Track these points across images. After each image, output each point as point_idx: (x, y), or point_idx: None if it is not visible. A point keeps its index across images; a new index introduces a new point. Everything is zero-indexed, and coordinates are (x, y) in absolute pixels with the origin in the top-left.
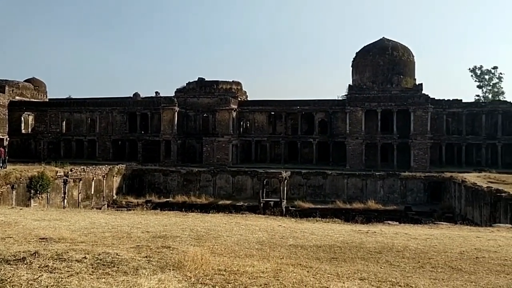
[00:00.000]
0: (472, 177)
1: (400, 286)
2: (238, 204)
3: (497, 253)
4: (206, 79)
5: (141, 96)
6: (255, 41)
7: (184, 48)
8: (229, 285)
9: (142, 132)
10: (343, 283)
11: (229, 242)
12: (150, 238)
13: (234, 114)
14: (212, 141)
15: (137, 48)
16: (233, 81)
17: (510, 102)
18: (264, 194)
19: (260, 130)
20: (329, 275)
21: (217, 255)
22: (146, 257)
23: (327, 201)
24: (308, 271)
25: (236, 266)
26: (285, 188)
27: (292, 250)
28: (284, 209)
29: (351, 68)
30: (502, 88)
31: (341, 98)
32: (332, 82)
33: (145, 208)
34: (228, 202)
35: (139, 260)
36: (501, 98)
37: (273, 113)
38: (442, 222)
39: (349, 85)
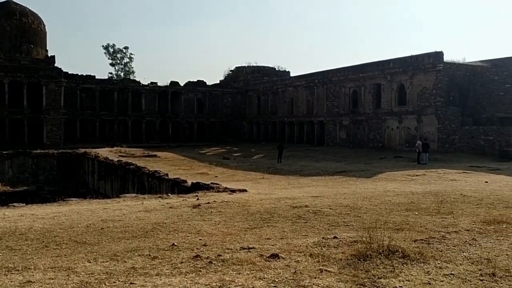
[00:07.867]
0: (105, 152)
1: (17, 270)
2: None
3: (121, 222)
4: None
5: None
6: None
7: None
8: None
9: None
10: None
11: None
12: None
13: None
14: None
15: None
16: None
17: (139, 81)
18: None
19: None
20: None
21: None
22: None
23: None
24: None
25: None
26: None
27: None
28: None
29: None
30: (132, 67)
31: None
32: None
33: None
34: None
35: None
36: (131, 77)
37: None
38: (73, 199)
39: None
